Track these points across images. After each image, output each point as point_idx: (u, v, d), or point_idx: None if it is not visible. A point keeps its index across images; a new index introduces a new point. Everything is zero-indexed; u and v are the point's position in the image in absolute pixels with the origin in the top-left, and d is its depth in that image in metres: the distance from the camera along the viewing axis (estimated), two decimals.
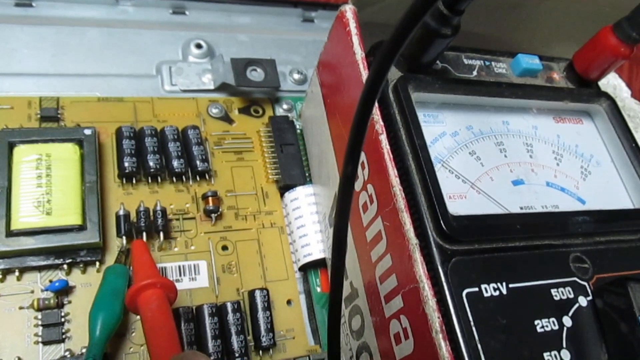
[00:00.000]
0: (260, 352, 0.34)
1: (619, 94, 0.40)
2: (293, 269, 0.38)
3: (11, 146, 0.34)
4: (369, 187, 0.29)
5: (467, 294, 0.25)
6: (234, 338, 0.33)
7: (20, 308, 0.31)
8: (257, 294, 0.35)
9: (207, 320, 0.33)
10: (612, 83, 0.40)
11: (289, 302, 0.36)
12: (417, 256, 0.25)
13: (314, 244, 0.36)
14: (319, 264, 0.37)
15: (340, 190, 0.22)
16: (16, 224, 0.32)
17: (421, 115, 0.30)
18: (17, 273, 0.32)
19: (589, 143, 0.35)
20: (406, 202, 0.26)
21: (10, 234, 0.31)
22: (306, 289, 0.37)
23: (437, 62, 0.32)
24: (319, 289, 0.37)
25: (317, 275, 0.38)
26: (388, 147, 0.27)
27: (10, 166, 0.33)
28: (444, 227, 0.26)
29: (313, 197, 0.38)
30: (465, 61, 0.34)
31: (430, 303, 0.24)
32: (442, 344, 0.23)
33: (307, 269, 0.38)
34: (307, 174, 0.40)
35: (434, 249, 0.26)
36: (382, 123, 0.28)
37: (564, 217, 0.30)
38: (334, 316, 0.24)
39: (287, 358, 0.33)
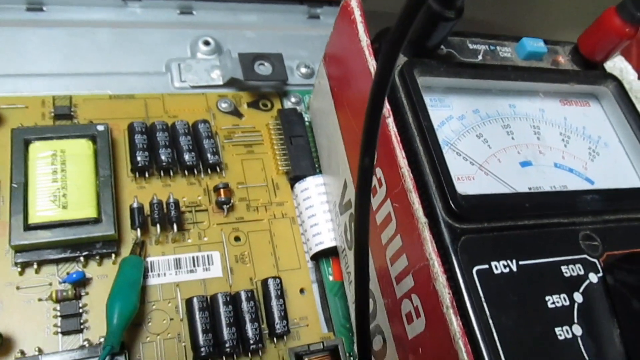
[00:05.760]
0: (275, 339, 0.34)
1: (626, 77, 0.40)
2: (305, 259, 0.38)
3: (27, 143, 0.35)
4: (378, 170, 0.29)
5: (477, 271, 0.25)
6: (248, 326, 0.33)
7: (40, 300, 0.32)
8: (270, 282, 0.35)
9: (222, 309, 0.33)
10: (619, 66, 0.40)
11: (301, 290, 0.37)
12: (427, 235, 0.25)
13: (325, 232, 0.37)
14: (330, 253, 0.37)
15: (359, 184, 0.22)
16: (33, 218, 0.32)
17: (427, 99, 0.30)
18: (35, 266, 0.32)
19: (597, 125, 0.35)
20: (414, 182, 0.26)
21: (28, 227, 0.32)
22: (318, 278, 0.38)
23: (442, 47, 0.33)
24: (331, 278, 0.38)
25: (329, 264, 0.38)
26: (395, 129, 0.28)
27: (27, 162, 0.34)
28: (453, 206, 0.26)
29: (323, 187, 0.38)
30: (470, 46, 0.34)
31: (441, 279, 0.24)
32: (453, 319, 0.23)
33: (319, 257, 0.38)
34: (316, 165, 0.40)
35: (444, 228, 0.26)
36: (388, 107, 0.29)
37: (573, 195, 0.30)
38: (362, 309, 0.25)
39: (301, 345, 0.34)
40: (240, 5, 0.50)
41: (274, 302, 0.35)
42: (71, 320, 0.32)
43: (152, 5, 0.47)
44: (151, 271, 0.34)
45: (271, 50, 0.45)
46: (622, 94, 0.36)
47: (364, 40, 0.31)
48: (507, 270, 0.26)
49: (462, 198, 0.27)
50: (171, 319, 0.33)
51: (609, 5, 0.35)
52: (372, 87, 0.21)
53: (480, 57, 0.34)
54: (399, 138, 0.27)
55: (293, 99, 0.44)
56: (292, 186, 0.40)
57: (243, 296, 0.34)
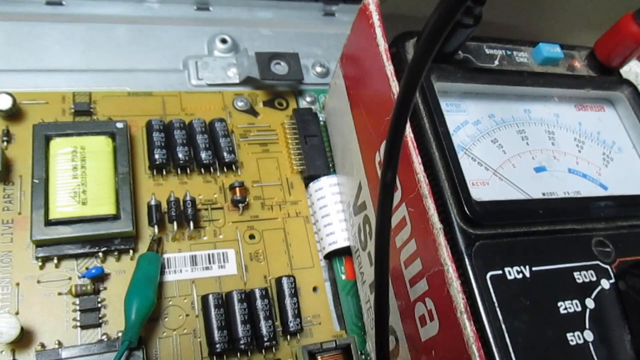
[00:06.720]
0: (288, 336, 0.35)
1: None
2: (318, 257, 0.38)
3: (47, 139, 0.35)
4: None
5: (491, 276, 0.26)
6: (262, 323, 0.34)
7: (59, 294, 0.33)
8: (284, 280, 0.36)
9: (237, 306, 0.34)
10: (634, 70, 0.40)
11: (314, 289, 0.37)
12: (442, 240, 0.26)
13: (339, 232, 0.37)
14: (343, 252, 0.38)
15: (380, 199, 0.23)
16: (54, 214, 0.33)
17: (443, 104, 0.30)
18: (55, 260, 0.33)
19: (611, 130, 0.35)
20: (430, 188, 0.27)
21: (48, 223, 0.33)
22: (331, 277, 0.38)
23: (459, 52, 0.33)
24: (343, 277, 0.38)
25: (341, 263, 0.38)
26: (412, 135, 0.28)
27: (47, 158, 0.35)
28: (467, 212, 0.26)
29: (337, 186, 0.39)
30: (487, 51, 0.34)
31: (455, 285, 0.25)
32: (467, 323, 0.24)
33: (332, 257, 0.38)
34: (330, 165, 0.41)
35: (458, 234, 0.26)
36: None
37: (587, 202, 0.30)
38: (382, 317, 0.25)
39: (314, 343, 0.34)
40: (256, 1, 0.51)
41: (287, 300, 0.35)
42: (90, 315, 0.32)
43: (169, 0, 0.48)
44: (167, 267, 0.35)
45: (286, 47, 0.46)
46: (638, 99, 0.36)
47: (382, 44, 0.31)
48: (520, 275, 0.26)
49: (476, 204, 0.27)
50: (187, 315, 0.34)
51: (626, 8, 0.35)
52: (395, 109, 0.21)
53: (496, 62, 0.34)
54: (415, 144, 0.28)
55: (308, 98, 0.44)
56: (306, 185, 0.40)
57: (257, 294, 0.35)
